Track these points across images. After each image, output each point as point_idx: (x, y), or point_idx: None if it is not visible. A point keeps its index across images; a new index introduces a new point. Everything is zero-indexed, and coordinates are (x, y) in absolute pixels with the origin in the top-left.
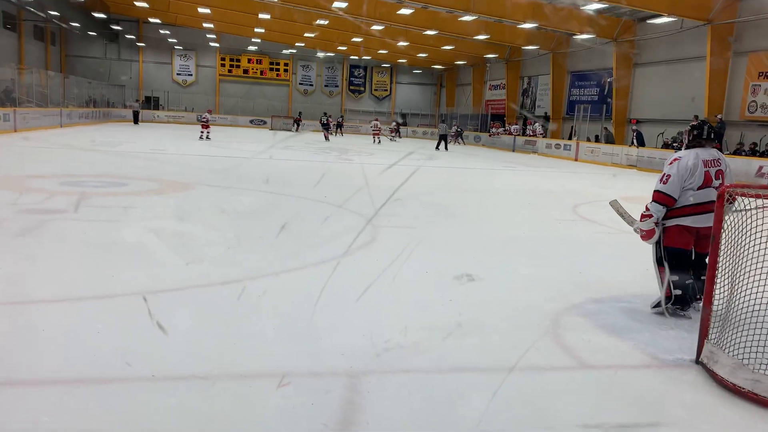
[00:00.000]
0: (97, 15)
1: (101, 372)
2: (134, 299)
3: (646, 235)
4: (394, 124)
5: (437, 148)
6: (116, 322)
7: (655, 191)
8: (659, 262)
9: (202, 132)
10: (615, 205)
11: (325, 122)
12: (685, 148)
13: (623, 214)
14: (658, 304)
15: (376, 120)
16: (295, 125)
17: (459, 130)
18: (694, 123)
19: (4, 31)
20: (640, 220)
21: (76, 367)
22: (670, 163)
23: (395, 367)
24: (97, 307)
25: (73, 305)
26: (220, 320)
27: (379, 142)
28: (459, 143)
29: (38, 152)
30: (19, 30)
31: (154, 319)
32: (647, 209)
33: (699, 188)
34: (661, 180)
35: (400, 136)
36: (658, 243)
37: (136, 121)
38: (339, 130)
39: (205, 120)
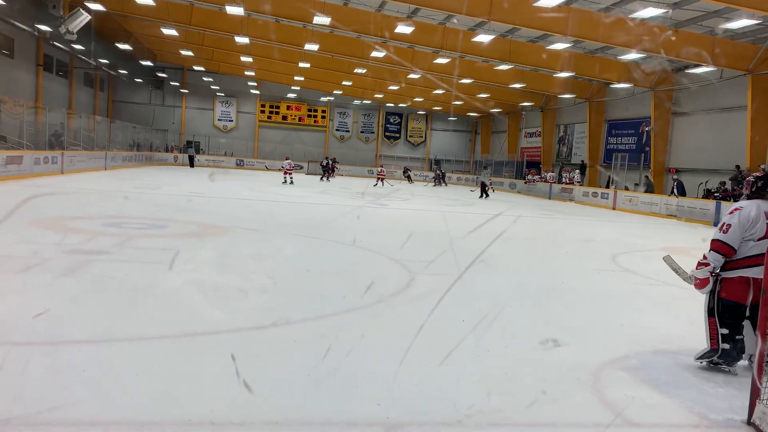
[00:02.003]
0: (144, 63)
1: (138, 415)
2: (173, 342)
3: (699, 284)
4: (438, 173)
5: (481, 196)
6: (155, 364)
7: (714, 240)
8: (710, 313)
9: (285, 177)
10: (668, 260)
11: (326, 165)
12: (747, 199)
13: (677, 270)
14: (703, 356)
15: (382, 166)
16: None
17: (441, 173)
18: (758, 174)
19: (56, 77)
20: (696, 268)
21: (114, 409)
22: (731, 213)
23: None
24: (137, 348)
25: (113, 346)
26: (264, 368)
27: (382, 185)
28: (443, 185)
29: (84, 194)
30: (71, 77)
31: (241, 377)
32: (705, 258)
33: (760, 239)
34: (720, 229)
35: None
36: (712, 293)
37: (192, 164)
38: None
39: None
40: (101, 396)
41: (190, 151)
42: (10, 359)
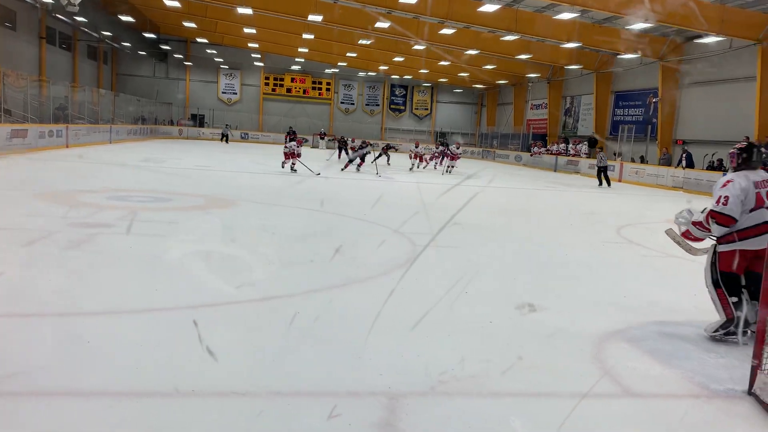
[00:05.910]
0: (147, 35)
1: (144, 386)
2: (177, 314)
3: (693, 239)
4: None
5: (600, 184)
6: (160, 336)
7: (714, 212)
8: (716, 285)
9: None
10: (671, 233)
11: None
12: (734, 171)
13: (680, 242)
14: (719, 327)
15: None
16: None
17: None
18: (741, 146)
19: (59, 50)
20: (700, 228)
21: (120, 380)
22: (724, 186)
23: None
24: (141, 320)
25: (119, 318)
26: (267, 339)
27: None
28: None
29: (89, 167)
30: (74, 49)
31: (204, 344)
32: (707, 222)
33: (752, 210)
34: (718, 202)
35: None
36: (713, 265)
37: (226, 140)
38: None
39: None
40: (106, 367)
41: (225, 129)
42: (16, 330)
